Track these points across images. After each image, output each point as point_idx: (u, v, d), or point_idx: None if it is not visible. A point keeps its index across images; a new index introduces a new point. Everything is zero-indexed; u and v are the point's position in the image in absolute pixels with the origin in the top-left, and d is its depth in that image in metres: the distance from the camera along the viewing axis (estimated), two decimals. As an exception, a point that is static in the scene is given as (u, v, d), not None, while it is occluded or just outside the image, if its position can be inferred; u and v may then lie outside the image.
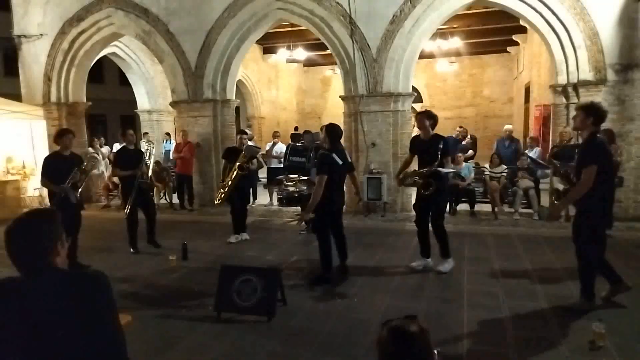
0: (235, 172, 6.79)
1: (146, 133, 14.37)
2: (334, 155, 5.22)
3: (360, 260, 5.84)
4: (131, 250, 6.73)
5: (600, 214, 4.21)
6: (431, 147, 5.28)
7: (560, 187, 4.56)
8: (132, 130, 7.23)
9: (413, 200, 8.91)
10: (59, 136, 5.92)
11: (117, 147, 12.77)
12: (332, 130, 5.36)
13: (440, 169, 5.21)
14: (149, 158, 7.02)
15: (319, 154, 5.43)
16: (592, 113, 4.16)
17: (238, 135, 7.39)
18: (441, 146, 5.19)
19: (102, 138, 12.63)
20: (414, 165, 5.79)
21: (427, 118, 5.41)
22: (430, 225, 5.51)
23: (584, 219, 4.23)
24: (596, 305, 4.28)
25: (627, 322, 4.06)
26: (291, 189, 6.73)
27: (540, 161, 4.72)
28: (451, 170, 5.32)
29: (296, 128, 18.31)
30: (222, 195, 6.96)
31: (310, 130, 9.33)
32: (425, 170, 5.30)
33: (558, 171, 4.68)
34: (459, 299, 4.69)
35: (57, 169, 5.73)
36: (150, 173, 7.07)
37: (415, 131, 13.10)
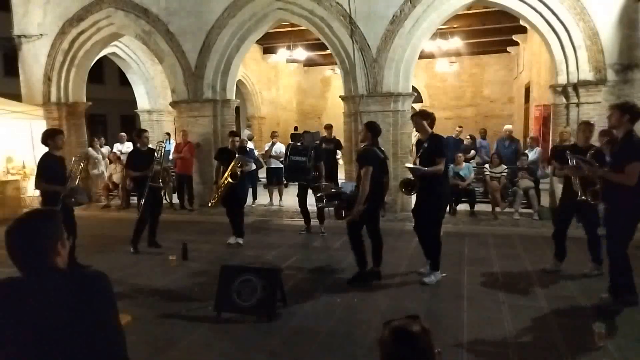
0: (227, 180, 6.73)
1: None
2: (376, 149, 5.27)
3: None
4: (131, 250, 6.72)
5: (637, 211, 4.27)
6: (426, 148, 5.17)
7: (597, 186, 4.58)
8: (148, 132, 7.24)
9: (413, 200, 8.96)
10: (51, 136, 5.71)
11: (117, 147, 12.79)
12: (373, 126, 5.42)
13: (408, 164, 5.11)
14: (162, 158, 7.00)
15: (362, 148, 5.44)
16: (627, 111, 4.23)
17: (230, 138, 7.16)
18: (426, 145, 5.08)
19: (102, 138, 12.62)
20: None
21: (422, 118, 5.28)
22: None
23: (618, 215, 4.26)
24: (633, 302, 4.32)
25: (627, 322, 4.06)
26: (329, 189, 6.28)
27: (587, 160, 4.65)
28: (415, 166, 5.07)
29: (296, 128, 18.32)
30: (216, 198, 6.95)
31: (310, 130, 9.33)
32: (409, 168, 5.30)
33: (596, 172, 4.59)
34: (459, 299, 4.69)
35: (54, 170, 5.63)
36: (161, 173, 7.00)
37: (415, 131, 13.00)
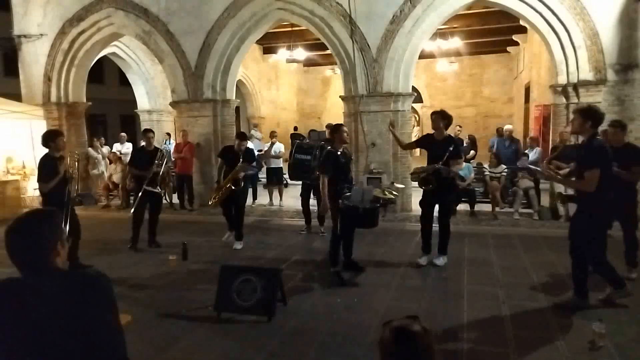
0: (228, 184, 6.69)
1: (146, 133, 14.36)
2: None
3: (361, 260, 5.84)
4: (128, 247, 6.75)
5: (602, 215, 4.24)
6: (443, 147, 5.45)
7: (569, 191, 4.56)
8: (153, 133, 7.31)
9: (413, 200, 8.97)
10: (51, 139, 5.66)
11: (117, 147, 12.79)
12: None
13: (441, 167, 5.38)
14: (164, 160, 7.01)
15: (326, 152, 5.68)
16: (590, 116, 4.17)
17: (237, 140, 6.98)
18: (451, 149, 5.39)
19: (102, 138, 12.62)
20: (420, 162, 5.96)
21: (441, 119, 5.56)
22: (437, 221, 5.75)
23: (584, 219, 4.25)
24: (589, 304, 4.34)
25: (627, 322, 4.06)
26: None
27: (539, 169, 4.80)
28: (452, 170, 5.46)
29: (295, 128, 18.34)
30: (217, 198, 6.86)
31: (316, 129, 9.31)
32: (429, 166, 5.52)
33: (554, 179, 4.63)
34: (459, 299, 4.69)
35: (52, 171, 5.58)
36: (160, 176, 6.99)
37: (416, 131, 13.06)
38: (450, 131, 11.71)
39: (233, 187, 6.65)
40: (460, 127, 12.36)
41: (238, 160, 6.70)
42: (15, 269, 1.55)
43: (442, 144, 5.48)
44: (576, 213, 4.39)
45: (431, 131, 5.86)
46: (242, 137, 7.01)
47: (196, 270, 5.86)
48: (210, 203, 7.24)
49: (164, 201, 10.53)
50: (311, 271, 5.71)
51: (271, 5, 9.40)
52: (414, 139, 11.48)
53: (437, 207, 5.74)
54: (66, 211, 5.38)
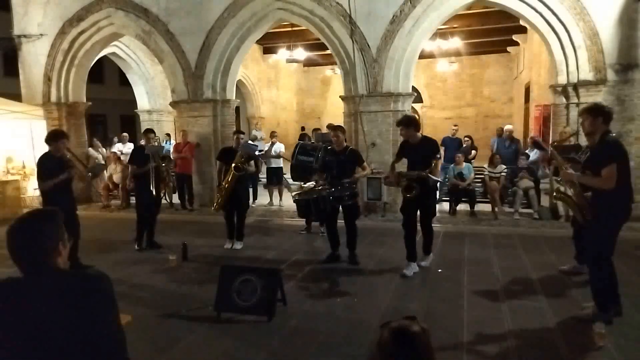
0: (231, 174, 6.51)
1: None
2: None
3: (360, 260, 5.84)
4: (136, 247, 6.77)
5: (621, 214, 4.03)
6: (421, 150, 5.32)
7: (570, 191, 4.35)
8: (154, 133, 7.47)
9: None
10: (53, 140, 5.74)
11: (118, 146, 12.78)
12: None
13: (430, 176, 5.21)
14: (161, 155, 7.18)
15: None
16: (600, 113, 4.11)
17: (234, 135, 7.09)
18: (422, 153, 5.27)
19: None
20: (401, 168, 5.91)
21: (406, 127, 5.43)
22: (419, 225, 5.67)
23: (602, 220, 4.03)
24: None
25: (627, 322, 4.05)
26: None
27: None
28: (438, 179, 5.33)
29: (302, 128, 18.31)
30: (220, 201, 6.71)
31: (321, 129, 9.25)
32: (415, 173, 5.32)
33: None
34: (459, 299, 4.69)
35: (50, 169, 5.62)
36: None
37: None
38: (448, 131, 11.80)
39: (237, 173, 6.50)
40: (456, 126, 12.31)
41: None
42: (16, 268, 1.55)
43: (419, 147, 5.35)
44: (596, 215, 4.10)
45: (421, 133, 5.65)
46: (240, 132, 7.33)
47: (196, 270, 5.86)
48: (212, 208, 7.18)
49: (164, 201, 10.57)
50: (311, 271, 5.71)
51: (271, 5, 9.40)
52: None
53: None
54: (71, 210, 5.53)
